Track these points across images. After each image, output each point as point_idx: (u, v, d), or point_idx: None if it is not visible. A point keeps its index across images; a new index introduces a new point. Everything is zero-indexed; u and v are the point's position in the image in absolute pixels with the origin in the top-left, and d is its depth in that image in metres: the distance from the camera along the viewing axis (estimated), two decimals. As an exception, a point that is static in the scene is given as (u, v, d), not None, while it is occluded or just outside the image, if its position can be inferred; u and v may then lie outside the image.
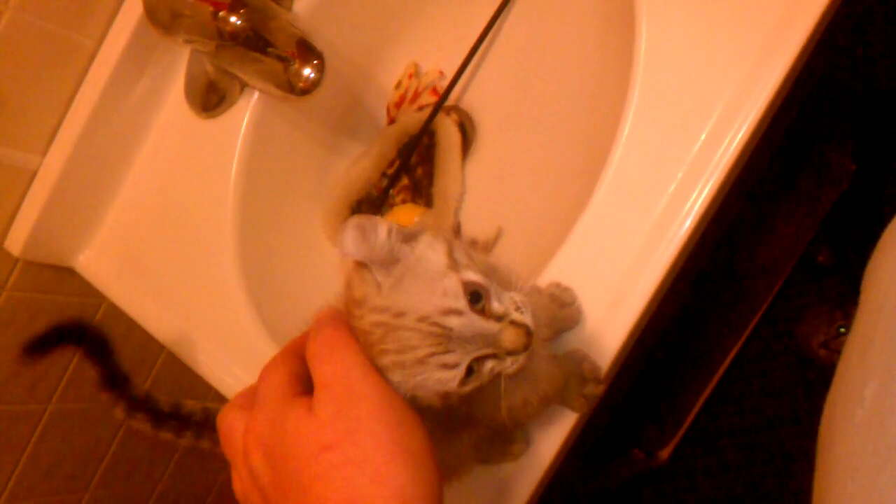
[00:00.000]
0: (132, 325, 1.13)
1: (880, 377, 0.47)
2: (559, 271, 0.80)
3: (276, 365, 0.60)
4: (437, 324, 0.56)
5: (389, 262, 0.57)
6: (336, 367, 0.57)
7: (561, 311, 0.77)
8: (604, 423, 0.97)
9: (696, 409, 1.69)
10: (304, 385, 0.59)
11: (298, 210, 1.07)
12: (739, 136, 0.76)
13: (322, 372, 0.57)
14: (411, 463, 0.53)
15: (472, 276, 0.58)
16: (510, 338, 0.57)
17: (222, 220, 0.98)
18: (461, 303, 0.56)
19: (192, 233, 1.00)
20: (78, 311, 1.15)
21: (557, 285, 0.77)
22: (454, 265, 0.58)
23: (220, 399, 0.97)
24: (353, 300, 0.58)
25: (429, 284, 0.57)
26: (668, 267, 0.77)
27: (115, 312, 1.15)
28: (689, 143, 0.77)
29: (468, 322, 0.56)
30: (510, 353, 0.58)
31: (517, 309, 0.59)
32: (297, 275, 1.05)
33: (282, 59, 0.83)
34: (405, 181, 1.07)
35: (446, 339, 0.56)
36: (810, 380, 1.74)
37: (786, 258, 1.62)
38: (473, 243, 0.99)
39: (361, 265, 0.58)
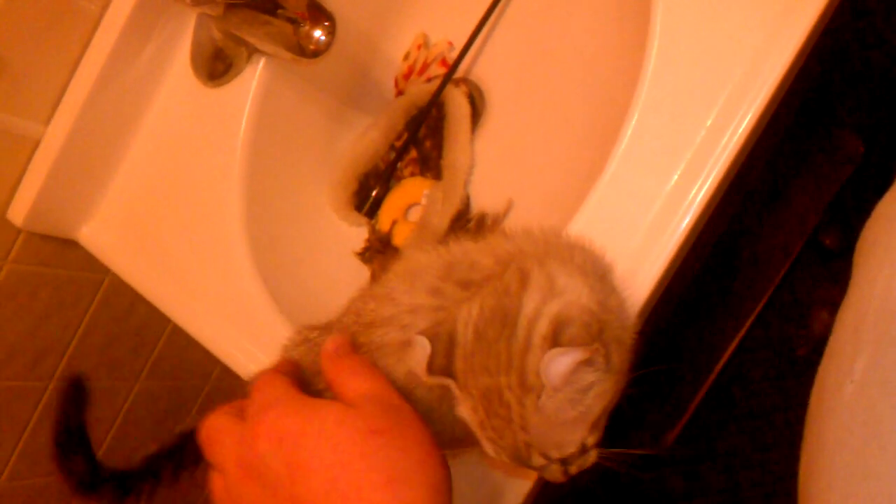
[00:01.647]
0: (135, 301, 1.13)
1: (870, 352, 0.47)
2: (573, 242, 0.79)
3: (272, 376, 0.64)
4: (531, 455, 0.60)
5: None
6: (371, 382, 0.61)
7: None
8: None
9: (700, 394, 1.68)
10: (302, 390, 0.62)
11: (305, 181, 1.06)
12: (757, 102, 0.75)
13: (356, 387, 0.61)
14: (443, 463, 0.58)
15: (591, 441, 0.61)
16: (552, 474, 0.61)
17: (229, 190, 0.96)
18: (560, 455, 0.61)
19: (199, 204, 0.98)
20: (81, 285, 1.14)
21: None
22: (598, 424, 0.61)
23: (227, 373, 0.95)
24: (523, 387, 0.60)
25: (570, 427, 0.60)
26: (683, 237, 0.76)
27: (119, 287, 1.14)
28: (706, 110, 0.76)
29: (546, 464, 0.61)
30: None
31: (580, 466, 0.62)
32: (304, 246, 1.04)
33: (292, 20, 0.82)
34: (413, 154, 1.06)
35: (516, 450, 0.60)
36: (816, 362, 1.72)
37: (792, 241, 1.61)
38: (483, 217, 0.98)
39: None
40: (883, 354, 0.45)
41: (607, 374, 0.59)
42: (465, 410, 0.61)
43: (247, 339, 0.95)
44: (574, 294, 0.60)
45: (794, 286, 1.72)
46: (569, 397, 0.58)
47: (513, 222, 0.98)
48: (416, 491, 0.54)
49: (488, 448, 0.61)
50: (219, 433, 0.61)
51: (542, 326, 0.58)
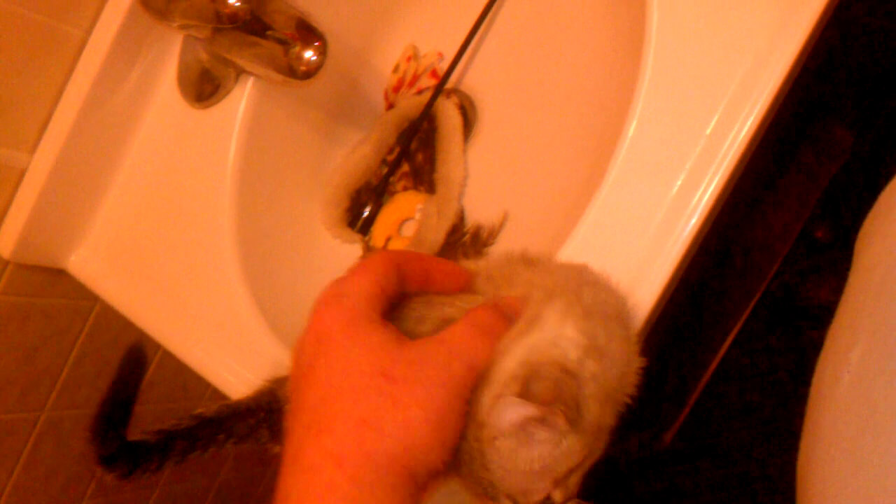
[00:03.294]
0: (126, 327, 1.11)
1: (866, 341, 0.47)
2: (573, 254, 0.78)
3: (371, 270, 0.61)
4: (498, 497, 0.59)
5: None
6: (463, 345, 0.58)
7: None
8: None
9: (698, 392, 1.68)
10: (389, 305, 0.60)
11: (297, 200, 1.05)
12: (759, 105, 0.74)
13: (453, 331, 0.58)
14: (439, 439, 0.54)
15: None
16: None
17: (219, 212, 0.95)
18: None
19: (189, 227, 0.97)
20: (71, 314, 1.12)
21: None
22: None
23: (219, 397, 0.94)
24: (475, 421, 0.58)
25: (538, 476, 0.58)
26: (687, 245, 0.75)
27: (108, 314, 1.13)
28: (706, 116, 0.75)
29: None
30: None
31: None
32: (297, 266, 1.03)
33: (281, 42, 0.80)
34: (406, 168, 1.04)
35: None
36: (811, 356, 1.73)
37: (784, 235, 1.61)
38: (479, 229, 0.97)
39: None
40: (879, 343, 0.46)
41: (574, 434, 0.57)
42: None
43: (239, 362, 0.93)
44: (561, 346, 0.58)
45: (787, 280, 1.71)
46: (522, 447, 0.57)
47: (509, 234, 0.96)
48: (380, 443, 0.53)
49: (463, 479, 0.60)
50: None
51: (509, 365, 0.57)
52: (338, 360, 0.56)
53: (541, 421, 0.56)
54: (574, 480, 0.60)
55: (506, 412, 0.56)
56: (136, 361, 0.82)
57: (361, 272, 0.60)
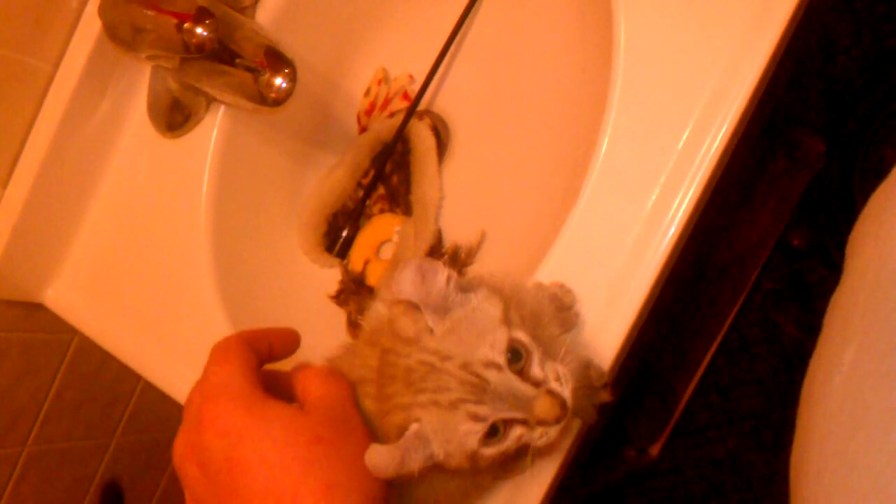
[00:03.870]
0: (105, 359, 1.10)
1: (859, 342, 0.47)
2: (551, 271, 0.78)
3: (232, 350, 0.63)
4: (476, 374, 0.57)
5: (442, 308, 0.59)
6: (334, 389, 0.63)
7: (559, 314, 0.75)
8: (601, 423, 0.95)
9: (682, 404, 1.68)
10: (259, 382, 0.62)
11: (273, 226, 1.04)
12: (729, 118, 0.74)
13: (316, 388, 0.62)
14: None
15: (522, 336, 0.59)
16: (544, 407, 0.57)
17: (196, 240, 0.95)
18: (502, 359, 0.57)
19: (165, 256, 0.96)
20: (49, 348, 1.11)
21: (561, 286, 0.75)
22: (507, 321, 0.59)
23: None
24: (401, 338, 0.59)
25: (480, 335, 0.58)
26: (664, 259, 0.75)
27: (88, 347, 1.12)
28: (678, 130, 0.75)
29: (505, 380, 0.57)
30: (541, 422, 0.58)
31: (557, 379, 0.58)
32: (276, 293, 1.02)
33: (251, 69, 0.80)
34: (381, 190, 1.04)
35: (481, 390, 0.57)
36: (793, 364, 1.73)
37: (761, 245, 1.61)
38: (457, 250, 0.96)
39: (413, 307, 0.59)
40: (871, 344, 0.46)
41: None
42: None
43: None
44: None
45: (765, 289, 1.72)
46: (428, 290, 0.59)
47: (487, 253, 0.96)
48: (350, 499, 0.56)
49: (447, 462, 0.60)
50: (187, 403, 0.62)
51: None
52: (262, 442, 0.57)
53: (420, 267, 0.59)
54: (516, 316, 0.60)
55: (397, 282, 0.58)
56: (114, 498, 0.83)
57: (222, 361, 0.62)
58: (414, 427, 0.58)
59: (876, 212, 0.52)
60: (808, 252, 1.68)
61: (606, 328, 0.76)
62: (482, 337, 0.58)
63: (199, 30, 0.78)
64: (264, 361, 0.65)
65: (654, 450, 1.68)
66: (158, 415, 1.36)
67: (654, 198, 0.75)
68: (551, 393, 0.58)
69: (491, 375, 0.57)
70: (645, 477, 1.81)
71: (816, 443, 0.46)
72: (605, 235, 0.77)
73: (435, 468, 0.60)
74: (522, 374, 0.58)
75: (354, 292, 1.01)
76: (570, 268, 0.77)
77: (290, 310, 1.02)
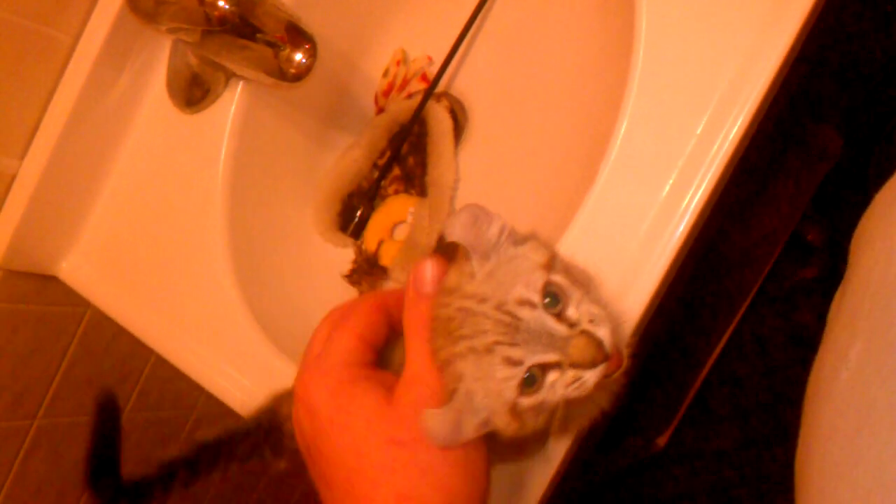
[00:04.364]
0: (118, 334, 1.10)
1: (865, 339, 0.47)
2: (565, 255, 0.77)
3: (352, 321, 0.61)
4: (510, 312, 0.55)
5: (490, 255, 0.58)
6: (426, 374, 0.58)
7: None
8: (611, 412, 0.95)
9: (691, 395, 1.68)
10: (374, 352, 0.61)
11: (288, 204, 1.04)
12: (748, 104, 0.74)
13: (410, 366, 0.59)
14: (470, 478, 0.57)
15: (560, 279, 0.57)
16: (579, 346, 0.55)
17: (211, 217, 0.95)
18: (536, 297, 0.56)
19: (180, 231, 0.96)
20: (62, 321, 1.11)
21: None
22: (548, 267, 0.58)
23: (212, 402, 0.93)
24: (445, 289, 0.58)
25: (517, 277, 0.57)
26: (679, 246, 0.75)
27: (100, 322, 1.12)
28: (697, 115, 0.75)
29: (539, 317, 0.55)
30: (575, 364, 0.56)
31: (591, 321, 0.56)
32: (290, 271, 1.02)
33: (271, 44, 0.80)
34: (397, 171, 1.04)
35: (514, 329, 0.55)
36: (804, 357, 1.73)
37: (776, 238, 1.61)
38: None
39: (463, 257, 0.58)
40: (878, 341, 0.46)
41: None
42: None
43: (233, 367, 0.93)
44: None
45: (778, 283, 1.72)
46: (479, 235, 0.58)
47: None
48: None
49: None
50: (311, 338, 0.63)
51: None
52: (340, 436, 0.57)
53: (476, 213, 0.58)
54: (561, 267, 0.59)
55: (451, 223, 0.58)
56: (109, 405, 0.82)
57: (341, 324, 0.61)
58: (462, 388, 0.57)
59: (882, 209, 0.52)
60: (822, 247, 1.68)
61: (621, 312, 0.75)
62: (519, 278, 0.57)
63: (221, 3, 0.78)
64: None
65: (662, 440, 1.68)
66: (168, 392, 1.37)
67: (671, 183, 0.75)
68: (587, 333, 0.56)
69: (524, 313, 0.55)
70: (651, 467, 1.81)
71: (822, 438, 0.46)
72: (620, 220, 0.76)
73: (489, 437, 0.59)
74: (560, 317, 0.56)
75: (367, 272, 1.01)
76: (584, 252, 0.76)
77: (303, 288, 1.02)
